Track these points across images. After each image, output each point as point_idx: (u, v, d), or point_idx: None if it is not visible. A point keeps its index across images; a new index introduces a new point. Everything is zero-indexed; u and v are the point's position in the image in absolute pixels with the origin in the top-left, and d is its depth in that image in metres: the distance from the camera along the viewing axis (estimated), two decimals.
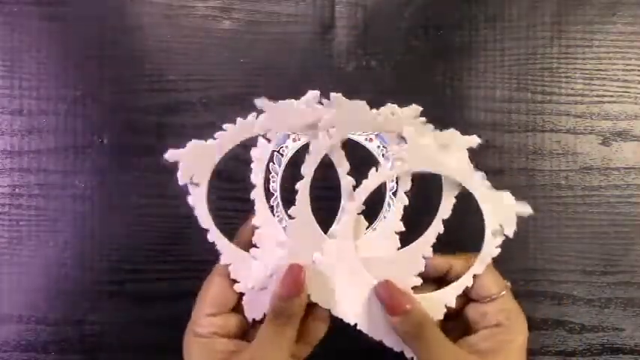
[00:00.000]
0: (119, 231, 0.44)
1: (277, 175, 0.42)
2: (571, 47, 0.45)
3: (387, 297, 0.33)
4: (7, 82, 0.45)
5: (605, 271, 0.44)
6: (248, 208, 0.44)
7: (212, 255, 0.44)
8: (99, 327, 0.44)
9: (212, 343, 0.33)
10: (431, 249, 0.34)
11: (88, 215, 0.44)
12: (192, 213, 0.44)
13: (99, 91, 0.45)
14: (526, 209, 0.33)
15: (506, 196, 0.33)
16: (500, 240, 0.33)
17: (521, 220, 0.44)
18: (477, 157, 0.45)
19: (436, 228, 0.34)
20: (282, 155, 0.42)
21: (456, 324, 0.35)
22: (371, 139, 0.41)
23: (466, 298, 0.34)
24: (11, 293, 0.44)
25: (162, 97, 0.45)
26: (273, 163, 0.42)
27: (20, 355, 0.44)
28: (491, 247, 0.33)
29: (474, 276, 0.33)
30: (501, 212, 0.33)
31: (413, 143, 0.34)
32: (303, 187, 0.35)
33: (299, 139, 0.40)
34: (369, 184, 0.34)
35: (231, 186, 0.44)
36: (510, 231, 0.33)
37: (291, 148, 0.42)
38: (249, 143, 0.45)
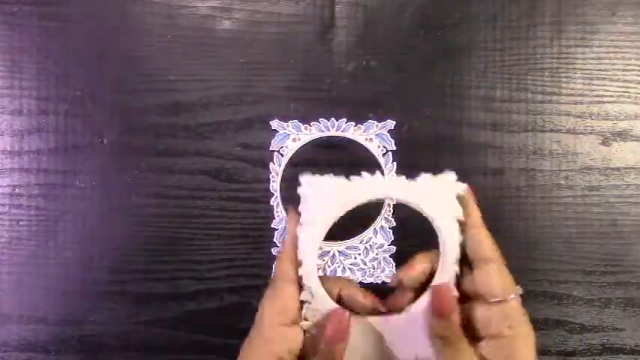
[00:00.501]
0: (119, 231, 0.44)
1: (277, 175, 0.42)
2: (571, 47, 0.45)
3: (443, 299, 0.31)
4: (7, 82, 0.45)
5: (605, 271, 0.44)
6: (248, 208, 0.44)
7: (212, 255, 0.44)
8: (99, 327, 0.44)
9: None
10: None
11: (88, 215, 0.44)
12: (193, 213, 0.44)
13: (99, 91, 0.45)
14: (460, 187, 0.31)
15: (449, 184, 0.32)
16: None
17: (522, 220, 0.45)
18: (477, 157, 0.45)
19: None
20: (282, 155, 0.42)
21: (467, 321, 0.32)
22: (371, 139, 0.41)
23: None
24: (11, 293, 0.44)
25: (162, 97, 0.45)
26: (273, 163, 0.42)
27: (20, 355, 0.44)
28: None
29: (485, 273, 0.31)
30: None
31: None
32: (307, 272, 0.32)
33: (299, 140, 0.40)
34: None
35: (231, 186, 0.44)
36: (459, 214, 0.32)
37: (290, 148, 0.41)
38: (250, 141, 0.45)
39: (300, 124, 0.44)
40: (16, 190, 0.44)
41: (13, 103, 0.45)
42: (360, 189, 0.31)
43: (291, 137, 0.41)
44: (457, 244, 0.32)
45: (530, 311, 0.44)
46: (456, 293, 0.31)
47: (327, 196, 0.31)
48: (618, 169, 0.45)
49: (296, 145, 0.42)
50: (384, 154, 0.42)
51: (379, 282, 0.44)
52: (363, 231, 0.44)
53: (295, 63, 0.45)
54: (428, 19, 0.45)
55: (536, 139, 0.45)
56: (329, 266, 0.44)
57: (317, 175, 0.32)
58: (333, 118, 0.44)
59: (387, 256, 0.44)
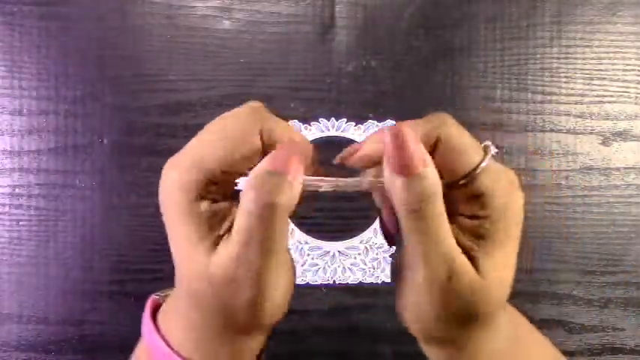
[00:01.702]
0: (119, 231, 0.44)
1: None
2: (571, 47, 0.45)
3: (400, 146, 0.22)
4: (7, 82, 0.45)
5: (605, 271, 0.44)
6: None
7: None
8: (99, 327, 0.44)
9: (207, 210, 0.24)
10: None
11: (88, 215, 0.44)
12: None
13: (99, 91, 0.45)
14: None
15: None
16: None
17: (522, 220, 0.44)
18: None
19: None
20: None
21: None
22: None
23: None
24: (11, 293, 0.44)
25: (162, 97, 0.45)
26: None
27: (20, 355, 0.44)
28: None
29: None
30: None
31: None
32: None
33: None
34: None
35: None
36: None
37: None
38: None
39: (300, 124, 0.44)
40: (16, 190, 0.44)
41: (13, 103, 0.45)
42: None
43: None
44: None
45: (531, 311, 0.45)
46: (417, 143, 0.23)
47: None
48: (618, 169, 0.45)
49: None
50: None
51: (379, 282, 0.44)
52: (362, 231, 0.44)
53: (295, 63, 0.45)
54: (428, 19, 0.45)
55: (536, 139, 0.45)
56: (329, 266, 0.44)
57: None
58: (333, 118, 0.44)
59: (387, 256, 0.44)
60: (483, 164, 0.24)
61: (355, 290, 0.44)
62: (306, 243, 0.44)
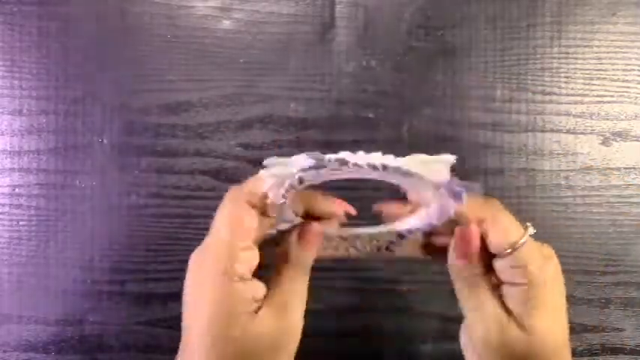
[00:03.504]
0: (119, 231, 0.44)
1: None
2: (571, 47, 0.45)
3: (467, 241, 0.29)
4: (7, 82, 0.45)
5: (605, 271, 0.44)
6: None
7: None
8: (99, 327, 0.44)
9: (253, 287, 0.29)
10: None
11: (88, 215, 0.44)
12: (193, 213, 0.44)
13: (99, 91, 0.45)
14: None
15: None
16: None
17: (522, 220, 0.44)
18: (477, 157, 0.45)
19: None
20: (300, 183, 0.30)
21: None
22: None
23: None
24: (11, 293, 0.44)
25: (162, 97, 0.45)
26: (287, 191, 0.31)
27: (20, 355, 0.44)
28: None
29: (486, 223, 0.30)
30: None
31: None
32: None
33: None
34: None
35: (231, 186, 0.44)
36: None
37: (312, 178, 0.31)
38: (250, 141, 0.45)
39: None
40: (16, 190, 0.44)
41: (13, 103, 0.45)
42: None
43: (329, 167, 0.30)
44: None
45: None
46: (477, 240, 0.29)
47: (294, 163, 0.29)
48: (618, 169, 0.45)
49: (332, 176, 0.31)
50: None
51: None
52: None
53: (295, 63, 0.45)
54: (428, 19, 0.45)
55: (536, 139, 0.45)
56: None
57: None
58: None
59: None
60: (522, 240, 0.30)
61: (356, 290, 0.44)
62: None
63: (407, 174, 0.27)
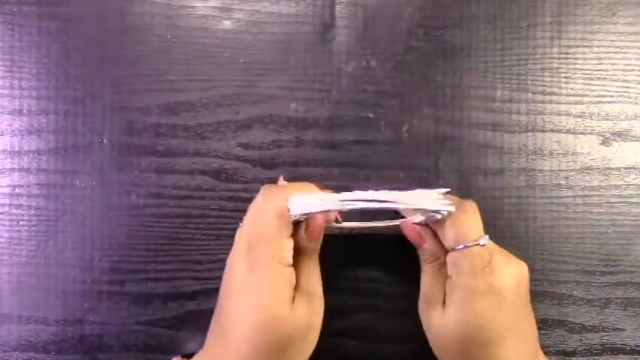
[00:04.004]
0: (119, 231, 0.44)
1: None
2: (571, 47, 0.45)
3: (410, 234, 0.38)
4: (7, 82, 0.45)
5: (605, 271, 0.44)
6: (247, 209, 0.44)
7: (212, 255, 0.44)
8: (99, 327, 0.44)
9: (294, 274, 0.35)
10: None
11: (88, 215, 0.44)
12: (193, 213, 0.44)
13: (99, 91, 0.45)
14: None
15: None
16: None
17: (522, 220, 0.44)
18: (477, 157, 0.45)
19: None
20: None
21: None
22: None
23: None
24: (11, 293, 0.44)
25: (162, 97, 0.45)
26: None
27: (20, 355, 0.44)
28: None
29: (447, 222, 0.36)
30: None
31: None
32: None
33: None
34: None
35: (231, 186, 0.44)
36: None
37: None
38: (250, 141, 0.45)
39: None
40: (16, 190, 0.44)
41: (13, 103, 0.45)
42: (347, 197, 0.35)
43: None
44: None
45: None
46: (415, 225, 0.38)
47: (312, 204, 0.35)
48: (618, 169, 0.45)
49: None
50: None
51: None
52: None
53: (295, 63, 0.45)
54: (428, 19, 0.45)
55: (536, 139, 0.45)
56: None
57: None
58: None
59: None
60: (459, 247, 0.36)
61: (355, 290, 0.44)
62: None
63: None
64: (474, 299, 0.34)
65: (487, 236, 0.35)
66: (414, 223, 0.38)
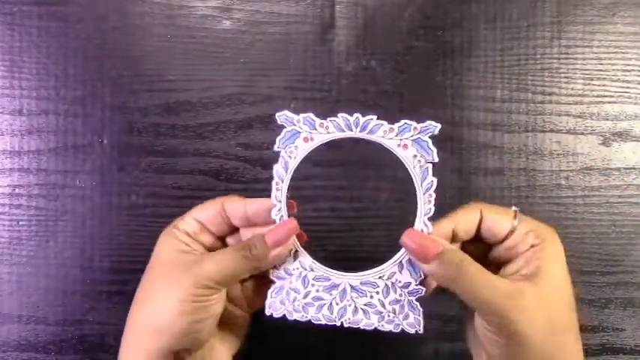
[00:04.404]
0: (119, 231, 0.44)
1: (282, 181, 0.34)
2: (571, 47, 0.45)
3: (417, 244, 0.31)
4: (7, 82, 0.45)
5: (605, 271, 0.44)
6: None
7: None
8: (99, 327, 0.44)
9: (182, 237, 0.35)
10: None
11: (88, 215, 0.44)
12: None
13: (99, 91, 0.45)
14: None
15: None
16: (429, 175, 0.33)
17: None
18: (477, 157, 0.45)
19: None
20: (290, 157, 0.34)
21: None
22: (405, 146, 0.34)
23: (485, 244, 0.34)
24: (11, 293, 0.44)
25: (162, 97, 0.45)
26: (277, 168, 0.35)
27: (20, 355, 0.44)
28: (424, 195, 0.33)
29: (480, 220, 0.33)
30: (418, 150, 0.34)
31: None
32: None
33: (311, 140, 0.34)
34: None
35: (231, 186, 0.44)
36: (432, 157, 0.33)
37: (301, 149, 0.34)
38: (250, 141, 0.45)
39: (315, 119, 0.34)
40: (16, 190, 0.44)
41: (13, 103, 0.45)
42: (333, 131, 0.33)
43: (302, 136, 0.34)
44: (432, 187, 0.33)
45: None
46: (429, 229, 0.32)
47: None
48: (618, 169, 0.45)
49: (308, 147, 0.34)
50: (421, 166, 0.34)
51: (398, 330, 0.34)
52: (383, 262, 0.35)
53: (295, 63, 0.45)
54: (428, 19, 0.45)
55: (536, 139, 0.45)
56: (337, 303, 0.34)
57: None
58: (357, 115, 0.34)
59: (414, 299, 0.34)
60: (515, 222, 0.33)
61: None
62: (311, 270, 0.35)
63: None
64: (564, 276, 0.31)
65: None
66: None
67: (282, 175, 0.34)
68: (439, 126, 0.33)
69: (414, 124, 0.33)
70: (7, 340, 0.44)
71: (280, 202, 0.34)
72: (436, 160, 0.33)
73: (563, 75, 0.45)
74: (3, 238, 0.44)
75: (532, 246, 0.32)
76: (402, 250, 0.33)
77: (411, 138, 0.33)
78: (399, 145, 0.33)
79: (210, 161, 0.44)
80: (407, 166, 0.33)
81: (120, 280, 0.44)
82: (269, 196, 0.35)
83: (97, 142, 0.44)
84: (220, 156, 0.44)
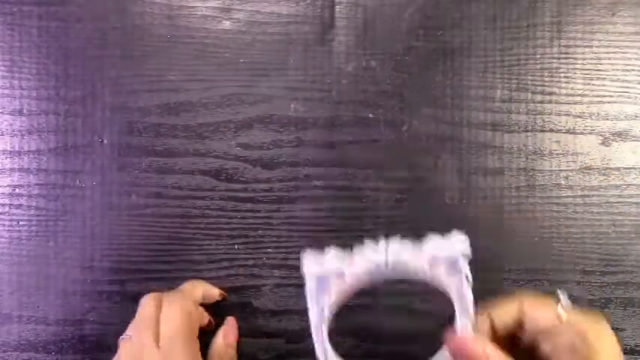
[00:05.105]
0: (119, 231, 0.44)
1: (321, 331, 0.33)
2: (571, 47, 0.45)
3: (463, 350, 0.31)
4: (7, 82, 0.45)
5: (605, 271, 0.44)
6: (248, 208, 0.44)
7: (212, 255, 0.44)
8: (99, 327, 0.44)
9: None
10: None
11: (88, 215, 0.44)
12: (193, 213, 0.44)
13: (99, 91, 0.45)
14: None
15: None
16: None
17: (522, 220, 0.44)
18: (477, 157, 0.45)
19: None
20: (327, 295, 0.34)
21: None
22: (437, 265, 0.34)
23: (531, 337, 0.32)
24: (11, 293, 0.44)
25: (162, 97, 0.45)
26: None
27: (20, 355, 0.44)
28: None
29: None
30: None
31: None
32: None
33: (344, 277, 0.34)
34: None
35: (231, 186, 0.44)
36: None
37: (337, 288, 0.34)
38: (250, 141, 0.45)
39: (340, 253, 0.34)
40: (16, 190, 0.44)
41: (13, 103, 0.45)
42: (361, 260, 0.33)
43: (331, 279, 0.33)
44: (469, 298, 0.33)
45: None
46: (470, 334, 0.32)
47: (327, 276, 0.33)
48: (618, 169, 0.45)
49: (342, 284, 0.34)
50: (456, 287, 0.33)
51: None
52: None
53: (295, 63, 0.45)
54: (428, 19, 0.45)
55: (536, 139, 0.45)
56: None
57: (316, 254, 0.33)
58: (382, 240, 0.34)
59: None
60: (560, 310, 0.31)
61: None
62: None
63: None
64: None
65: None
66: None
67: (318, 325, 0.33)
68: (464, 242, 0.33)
69: (437, 236, 0.33)
70: (7, 340, 0.44)
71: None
72: (470, 278, 0.33)
73: (562, 75, 0.45)
74: (3, 238, 0.44)
75: (572, 351, 0.30)
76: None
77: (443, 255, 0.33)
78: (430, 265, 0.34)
79: (210, 161, 0.44)
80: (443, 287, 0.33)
81: (120, 280, 0.44)
82: (269, 195, 0.35)
83: (97, 142, 0.44)
84: (220, 156, 0.44)
